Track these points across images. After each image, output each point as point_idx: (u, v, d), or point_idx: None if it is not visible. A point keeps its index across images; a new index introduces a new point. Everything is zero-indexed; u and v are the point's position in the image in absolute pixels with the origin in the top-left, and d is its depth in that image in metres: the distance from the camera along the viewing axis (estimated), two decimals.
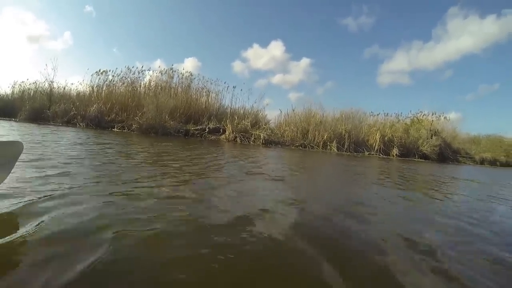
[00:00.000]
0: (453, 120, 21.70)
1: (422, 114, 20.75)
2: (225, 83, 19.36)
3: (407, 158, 17.47)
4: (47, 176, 2.84)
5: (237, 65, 38.49)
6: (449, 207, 3.57)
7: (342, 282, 1.39)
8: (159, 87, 18.61)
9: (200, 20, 43.28)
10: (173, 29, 43.12)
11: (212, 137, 15.76)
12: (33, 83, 19.72)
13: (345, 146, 17.14)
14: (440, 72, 38.92)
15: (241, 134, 15.73)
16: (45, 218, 1.73)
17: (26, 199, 2.04)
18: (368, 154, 17.12)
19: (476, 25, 34.79)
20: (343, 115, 18.86)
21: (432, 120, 20.19)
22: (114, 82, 18.53)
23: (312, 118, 18.23)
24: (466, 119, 37.24)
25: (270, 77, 42.13)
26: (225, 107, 19.17)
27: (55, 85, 19.04)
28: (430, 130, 19.42)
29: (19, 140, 2.09)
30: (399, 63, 38.75)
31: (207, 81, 19.13)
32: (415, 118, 20.50)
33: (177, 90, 18.74)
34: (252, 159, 7.13)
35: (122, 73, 18.68)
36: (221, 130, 16.34)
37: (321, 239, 1.96)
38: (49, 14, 38.61)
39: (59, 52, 36.75)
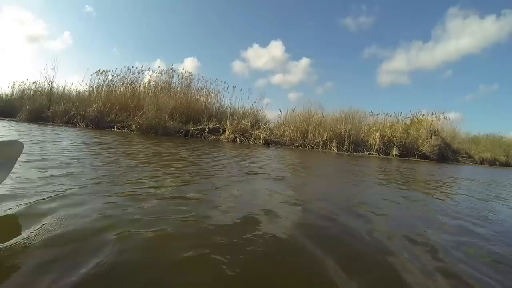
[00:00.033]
0: (453, 120, 21.76)
1: (422, 114, 20.77)
2: (224, 83, 19.42)
3: (406, 158, 17.48)
4: (49, 176, 2.84)
5: (237, 65, 38.54)
6: (451, 207, 3.58)
7: (351, 283, 1.40)
8: (159, 87, 18.57)
9: (200, 20, 43.37)
10: (173, 29, 43.19)
11: (212, 137, 15.76)
12: (32, 83, 19.69)
13: (345, 146, 17.15)
14: (440, 72, 39.01)
15: (241, 134, 15.73)
16: (48, 219, 1.72)
17: (29, 200, 2.04)
18: (368, 154, 17.13)
19: (475, 25, 34.89)
20: (343, 115, 18.88)
21: (432, 120, 20.20)
22: (114, 82, 18.49)
23: (312, 118, 18.23)
24: (465, 119, 37.53)
25: (270, 77, 42.23)
26: (225, 107, 19.16)
27: (54, 85, 19.01)
28: (430, 130, 19.43)
29: (19, 140, 2.09)
30: (398, 63, 38.82)
31: (206, 81, 19.13)
32: (414, 118, 20.50)
33: (177, 90, 18.72)
34: (253, 159, 7.14)
35: (121, 73, 18.65)
36: (221, 130, 16.33)
37: (328, 239, 1.98)
38: (49, 13, 38.65)
39: (59, 52, 36.71)
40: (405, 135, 18.99)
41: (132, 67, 18.96)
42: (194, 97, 18.52)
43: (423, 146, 18.62)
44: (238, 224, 2.04)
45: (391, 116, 20.35)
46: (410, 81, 38.75)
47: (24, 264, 1.24)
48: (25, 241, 1.43)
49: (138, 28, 42.86)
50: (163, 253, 1.48)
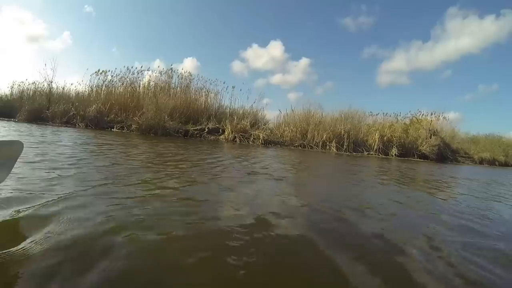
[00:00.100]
0: (452, 120, 21.74)
1: (421, 114, 20.72)
2: (224, 83, 19.31)
3: (406, 158, 17.49)
4: (52, 178, 2.84)
5: (236, 65, 38.42)
6: (452, 206, 3.61)
7: (364, 281, 1.42)
8: (158, 87, 18.54)
9: (199, 20, 43.25)
10: (173, 29, 43.07)
11: (212, 137, 15.75)
12: (32, 83, 19.64)
13: (344, 146, 17.13)
14: (439, 72, 38.91)
15: (241, 134, 15.72)
16: (53, 223, 1.71)
17: (33, 203, 2.02)
18: (367, 154, 17.13)
19: (475, 25, 34.77)
20: (342, 115, 18.86)
21: (431, 120, 20.18)
22: (113, 82, 18.46)
23: (311, 118, 18.22)
24: (465, 119, 37.54)
25: (269, 77, 42.01)
26: (225, 107, 19.11)
27: (54, 85, 18.96)
28: (429, 130, 19.43)
29: (19, 140, 2.09)
30: (398, 63, 38.72)
31: (206, 81, 19.09)
32: (414, 118, 20.49)
33: (176, 90, 18.69)
34: (255, 160, 7.16)
35: (121, 73, 18.62)
36: (220, 130, 16.32)
37: (336, 238, 2.00)
38: (48, 13, 38.52)
39: (58, 52, 36.65)
40: (405, 135, 18.98)
41: (132, 67, 18.93)
42: (193, 97, 18.50)
43: (423, 146, 18.62)
44: (247, 225, 2.04)
45: (390, 116, 20.35)
46: (409, 81, 38.72)
47: (29, 270, 1.22)
48: (30, 246, 1.41)
49: (138, 28, 42.79)
50: (170, 256, 1.48)
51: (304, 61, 37.94)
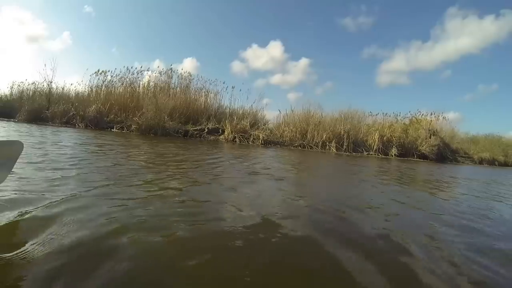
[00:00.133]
0: (452, 120, 21.77)
1: (421, 114, 20.73)
2: (224, 83, 19.30)
3: (405, 158, 17.50)
4: (54, 179, 2.83)
5: (236, 65, 38.39)
6: (453, 206, 3.62)
7: (370, 280, 1.43)
8: (158, 88, 18.54)
9: (199, 20, 43.22)
10: (172, 29, 43.04)
11: (211, 137, 15.75)
12: (31, 83, 19.63)
13: (344, 146, 17.14)
14: (439, 72, 38.90)
15: (240, 135, 15.72)
16: (55, 224, 1.71)
17: (35, 205, 2.01)
18: (367, 154, 17.14)
19: (474, 25, 34.76)
20: (342, 115, 18.86)
21: (431, 120, 20.18)
22: (113, 83, 18.45)
23: (311, 118, 18.22)
24: (464, 119, 37.53)
25: (269, 77, 42.01)
26: (224, 107, 19.10)
27: (53, 85, 18.95)
28: (429, 130, 19.44)
29: (19, 140, 2.09)
30: (397, 63, 38.71)
31: (206, 81, 19.07)
32: (413, 118, 20.50)
33: (176, 90, 18.69)
34: (255, 160, 7.17)
35: (121, 74, 18.62)
36: (220, 131, 16.32)
37: (341, 238, 2.00)
38: (48, 13, 38.46)
39: (58, 52, 36.59)
40: (404, 135, 19.00)
41: (131, 68, 18.93)
42: (193, 97, 18.50)
43: (422, 146, 18.63)
44: (248, 226, 2.04)
45: (390, 116, 20.36)
46: (409, 81, 38.72)
47: (32, 273, 1.21)
48: (33, 248, 1.40)
49: (138, 28, 42.78)
50: (173, 257, 1.47)
51: (303, 61, 37.95)
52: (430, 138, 19.05)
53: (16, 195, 2.20)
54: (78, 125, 15.55)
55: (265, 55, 39.07)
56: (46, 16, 38.50)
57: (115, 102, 16.95)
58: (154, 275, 1.29)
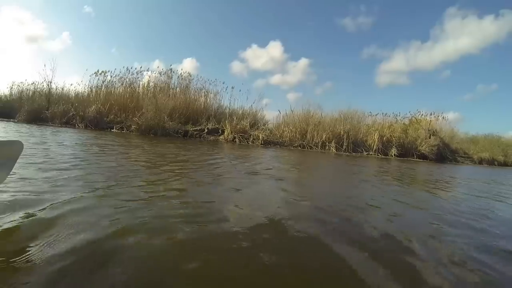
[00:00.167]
0: (452, 120, 21.84)
1: (421, 114, 20.77)
2: (223, 83, 19.33)
3: (405, 158, 17.52)
4: (55, 180, 2.82)
5: (236, 66, 38.45)
6: (453, 205, 3.62)
7: (377, 280, 1.43)
8: (158, 88, 18.56)
9: (199, 21, 43.29)
10: (172, 29, 43.10)
11: (211, 137, 15.76)
12: (31, 83, 19.65)
13: (344, 147, 17.16)
14: (438, 72, 39.00)
15: (240, 135, 15.74)
16: (58, 226, 1.69)
17: (37, 207, 2.00)
18: (367, 154, 17.16)
19: (474, 25, 34.86)
20: (342, 115, 18.89)
21: (431, 120, 20.21)
22: (113, 83, 18.45)
23: (311, 118, 18.24)
24: (464, 119, 37.57)
25: (268, 77, 42.16)
26: (224, 107, 19.13)
27: (53, 85, 18.99)
28: (429, 130, 19.46)
29: (19, 140, 2.09)
30: (397, 63, 38.78)
31: (205, 82, 19.10)
32: (413, 118, 20.52)
33: (176, 90, 18.71)
34: (256, 160, 7.18)
35: (120, 74, 18.62)
36: (220, 131, 16.33)
37: (348, 239, 2.00)
38: (48, 14, 38.53)
39: (58, 52, 36.58)
40: (404, 135, 19.02)
41: (131, 68, 18.94)
42: (193, 97, 18.51)
43: (422, 146, 18.65)
44: (251, 226, 2.04)
45: (389, 116, 20.38)
46: (409, 81, 38.79)
47: (35, 277, 1.18)
48: (36, 252, 1.37)
49: (137, 28, 42.87)
50: (177, 259, 1.46)
51: (303, 61, 38.02)
52: (429, 138, 19.07)
53: (18, 196, 2.19)
54: (78, 125, 15.56)
55: (264, 55, 39.18)
56: (45, 16, 38.63)
57: (115, 102, 16.95)
58: (157, 277, 1.29)
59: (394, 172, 8.07)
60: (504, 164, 22.17)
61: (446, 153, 19.55)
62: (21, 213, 1.84)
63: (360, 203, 3.25)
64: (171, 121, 15.46)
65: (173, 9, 42.26)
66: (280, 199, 3.08)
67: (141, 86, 18.89)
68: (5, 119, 16.28)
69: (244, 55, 40.23)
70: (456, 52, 38.30)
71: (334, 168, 7.97)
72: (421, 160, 17.84)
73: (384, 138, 18.05)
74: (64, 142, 6.78)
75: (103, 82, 18.40)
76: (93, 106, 16.17)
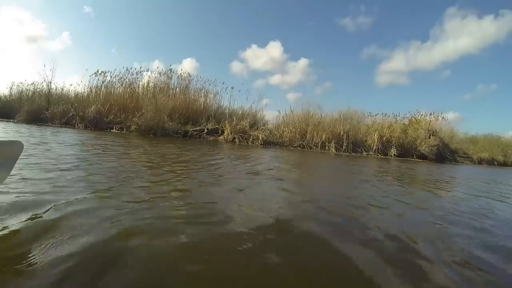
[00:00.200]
0: (451, 120, 21.89)
1: (420, 114, 20.81)
2: (223, 83, 19.35)
3: (405, 158, 17.54)
4: (57, 181, 2.81)
5: (235, 66, 38.49)
6: (453, 205, 3.63)
7: (384, 278, 1.45)
8: (158, 88, 18.57)
9: (199, 21, 43.33)
10: (172, 29, 43.14)
11: (211, 138, 15.77)
12: (31, 84, 19.66)
13: (344, 147, 17.17)
14: (438, 72, 39.08)
15: (240, 135, 15.75)
16: (60, 229, 1.67)
17: (39, 208, 1.97)
18: (366, 154, 17.17)
19: (474, 25, 34.94)
20: (341, 116, 18.91)
21: (430, 120, 20.24)
22: (113, 83, 18.47)
23: (311, 118, 18.26)
24: (464, 119, 37.65)
25: (268, 77, 42.19)
26: (224, 108, 19.16)
27: (53, 86, 19.01)
28: (428, 130, 19.49)
29: (19, 140, 2.09)
30: (397, 63, 38.85)
31: (205, 82, 19.11)
32: (413, 119, 20.55)
33: (176, 91, 18.72)
34: (257, 161, 7.18)
35: (120, 74, 18.64)
36: (219, 131, 16.34)
37: (353, 239, 2.02)
38: (47, 14, 38.54)
39: (58, 52, 36.58)
40: (404, 135, 19.05)
41: (131, 68, 18.97)
42: (192, 98, 18.52)
43: (422, 146, 18.68)
44: (256, 227, 2.03)
45: (389, 116, 20.42)
46: (408, 81, 38.87)
47: (38, 281, 1.16)
48: (38, 256, 1.34)
49: (137, 28, 42.91)
50: (180, 261, 1.45)
51: (303, 62, 38.06)
52: (429, 138, 19.10)
53: (20, 197, 2.19)
54: (77, 125, 15.56)
55: (264, 55, 39.23)
56: (45, 16, 38.67)
57: (114, 102, 16.97)
58: (159, 278, 1.28)
59: (394, 172, 8.07)
60: (504, 164, 22.22)
61: (445, 153, 19.58)
62: (24, 215, 1.83)
63: (361, 203, 3.25)
64: (170, 122, 15.47)
65: (173, 9, 42.34)
66: (282, 199, 3.10)
67: (140, 86, 18.95)
68: (4, 120, 16.28)
69: (244, 55, 40.33)
70: (456, 52, 38.42)
71: (334, 168, 7.98)
72: (421, 160, 17.86)
73: (384, 138, 18.07)
74: (64, 143, 6.78)
75: (102, 83, 18.45)
76: (93, 107, 16.18)
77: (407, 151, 18.51)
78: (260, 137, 15.71)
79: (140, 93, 18.28)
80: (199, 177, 3.87)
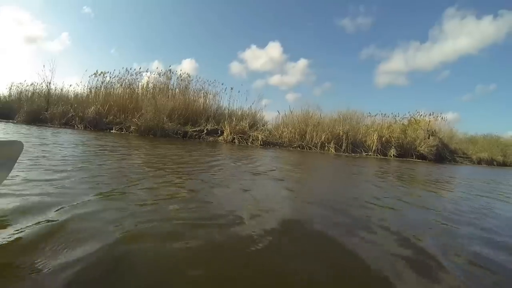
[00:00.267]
0: (450, 120, 21.98)
1: (420, 114, 20.84)
2: (222, 84, 19.34)
3: (404, 159, 17.56)
4: (60, 183, 2.79)
5: (235, 66, 38.50)
6: (458, 205, 3.66)
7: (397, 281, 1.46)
8: (157, 89, 18.54)
9: (198, 21, 43.30)
10: (171, 29, 43.13)
11: (210, 138, 15.76)
12: (30, 84, 19.62)
13: (343, 147, 17.17)
14: (437, 73, 39.19)
15: (239, 136, 15.74)
16: (65, 232, 1.65)
17: (42, 212, 1.94)
18: (366, 154, 17.19)
19: (473, 25, 34.99)
20: (341, 116, 18.91)
21: (429, 121, 20.26)
22: (112, 84, 18.44)
23: (310, 119, 18.26)
24: (463, 119, 37.69)
25: (267, 78, 42.13)
26: (223, 108, 19.13)
27: (52, 86, 18.96)
28: (427, 131, 19.52)
29: (19, 140, 2.08)
30: (396, 63, 38.88)
31: (205, 83, 19.08)
32: (412, 119, 20.57)
33: (175, 91, 18.69)
34: (259, 162, 7.19)
35: (120, 75, 18.61)
36: (219, 132, 16.33)
37: (361, 237, 2.05)
38: (47, 14, 38.46)
39: (57, 53, 36.53)
40: (403, 135, 19.05)
41: (130, 69, 18.94)
42: (192, 98, 18.48)
43: (421, 147, 18.70)
44: (263, 228, 2.03)
45: (388, 117, 20.44)
46: (407, 82, 38.92)
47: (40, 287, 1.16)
48: (42, 261, 1.32)
49: (136, 29, 42.86)
50: (185, 265, 1.44)
51: (302, 62, 38.11)
52: (428, 138, 19.13)
53: (24, 200, 2.18)
54: (77, 126, 15.55)
55: (263, 56, 39.26)
56: (45, 17, 38.61)
57: (114, 103, 16.94)
58: (165, 283, 1.28)
59: (394, 172, 8.09)
60: (503, 164, 22.28)
61: (445, 154, 19.61)
62: (29, 217, 1.83)
63: (365, 203, 3.26)
64: (170, 122, 15.46)
65: (173, 10, 42.33)
66: (288, 200, 3.14)
67: (140, 87, 18.89)
68: (4, 120, 16.25)
69: (243, 55, 40.32)
70: (455, 53, 38.46)
71: (335, 169, 7.99)
72: (420, 160, 17.88)
73: (383, 139, 18.08)
74: (65, 143, 6.77)
75: (102, 83, 18.40)
76: (92, 107, 16.16)
77: (406, 152, 18.53)
78: (259, 138, 15.72)
79: (140, 94, 18.24)
80: (203, 178, 3.87)
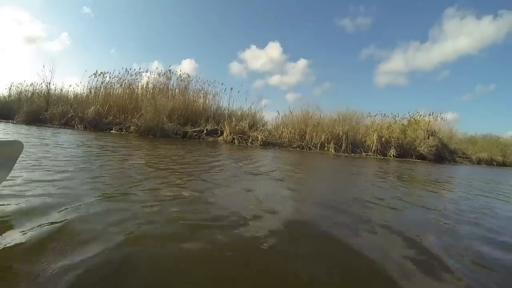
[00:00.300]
0: (450, 120, 22.01)
1: (419, 114, 20.86)
2: (222, 84, 19.34)
3: (404, 159, 17.57)
4: (62, 184, 2.78)
5: (234, 66, 38.50)
6: (458, 205, 3.68)
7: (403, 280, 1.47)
8: (157, 89, 18.54)
9: (198, 21, 43.31)
10: (171, 30, 43.12)
11: (210, 138, 15.75)
12: (30, 84, 19.59)
13: (343, 147, 17.17)
14: (437, 73, 39.22)
15: (239, 136, 15.74)
16: (67, 234, 1.64)
17: (43, 214, 1.92)
18: (366, 155, 17.20)
19: (472, 25, 35.03)
20: (340, 116, 18.93)
21: (429, 121, 20.29)
22: (112, 84, 18.43)
23: (310, 119, 18.26)
24: (463, 120, 37.72)
25: (267, 78, 42.10)
26: (223, 108, 19.14)
27: (52, 86, 18.94)
28: (427, 131, 19.54)
29: (19, 140, 2.06)
30: (396, 63, 38.90)
31: (204, 83, 19.10)
32: (412, 119, 20.59)
33: (175, 91, 18.71)
34: (260, 162, 7.20)
35: (119, 75, 18.60)
36: (219, 132, 16.33)
37: (365, 236, 2.09)
38: (47, 14, 38.43)
39: (57, 53, 36.50)
40: (403, 136, 19.07)
41: (130, 69, 18.94)
42: (192, 98, 18.49)
43: (421, 147, 18.72)
44: (268, 228, 2.04)
45: (388, 117, 20.47)
46: (407, 82, 38.96)
47: None
48: (43, 262, 1.32)
49: (136, 29, 42.84)
50: (191, 268, 1.43)
51: (302, 62, 38.12)
52: (428, 138, 19.15)
53: (26, 201, 2.17)
54: (77, 126, 15.53)
55: (263, 56, 39.26)
56: (44, 17, 38.59)
57: (113, 103, 16.93)
58: (167, 283, 1.28)
59: (394, 172, 8.10)
60: (503, 164, 22.32)
61: (444, 154, 19.64)
62: (31, 219, 1.82)
63: (366, 202, 3.28)
64: (170, 122, 15.45)
65: (173, 10, 42.31)
66: (291, 200, 3.16)
67: (140, 87, 18.88)
68: (3, 120, 16.23)
69: (243, 56, 40.33)
70: (454, 53, 38.52)
71: (334, 169, 8.00)
72: (420, 160, 17.90)
73: (383, 139, 18.09)
74: (65, 144, 6.76)
75: (102, 83, 18.39)
76: (92, 107, 16.14)
77: (406, 152, 18.54)
78: (259, 138, 15.72)
79: (139, 94, 18.23)
80: (205, 178, 3.87)
